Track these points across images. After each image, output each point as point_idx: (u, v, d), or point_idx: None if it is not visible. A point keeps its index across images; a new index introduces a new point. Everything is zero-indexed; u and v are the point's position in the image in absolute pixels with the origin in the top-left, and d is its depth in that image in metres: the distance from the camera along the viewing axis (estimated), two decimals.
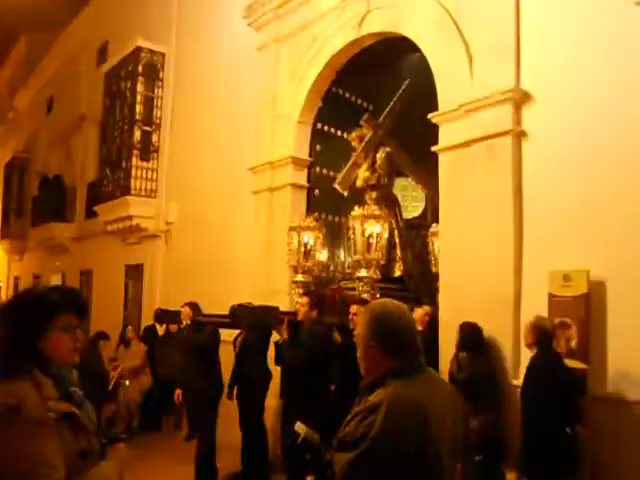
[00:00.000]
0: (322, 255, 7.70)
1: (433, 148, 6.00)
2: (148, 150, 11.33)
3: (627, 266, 4.52)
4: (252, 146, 8.45)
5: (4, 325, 1.92)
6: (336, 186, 7.74)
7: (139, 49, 11.32)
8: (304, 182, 8.03)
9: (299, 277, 7.36)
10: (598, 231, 4.72)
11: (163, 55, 11.49)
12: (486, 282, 5.33)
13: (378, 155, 7.78)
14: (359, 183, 7.78)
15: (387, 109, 7.86)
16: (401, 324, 2.05)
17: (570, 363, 4.54)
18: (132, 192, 11.00)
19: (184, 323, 6.68)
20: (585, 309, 4.66)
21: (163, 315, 7.72)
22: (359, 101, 8.45)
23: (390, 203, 7.81)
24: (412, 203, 9.64)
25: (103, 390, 7.79)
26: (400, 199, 9.08)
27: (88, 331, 12.70)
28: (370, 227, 6.80)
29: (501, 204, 5.33)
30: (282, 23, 8.28)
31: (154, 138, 11.35)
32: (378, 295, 6.61)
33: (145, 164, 11.27)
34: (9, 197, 20.09)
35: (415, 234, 8.14)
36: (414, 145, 7.52)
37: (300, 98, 7.90)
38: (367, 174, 7.74)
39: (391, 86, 7.90)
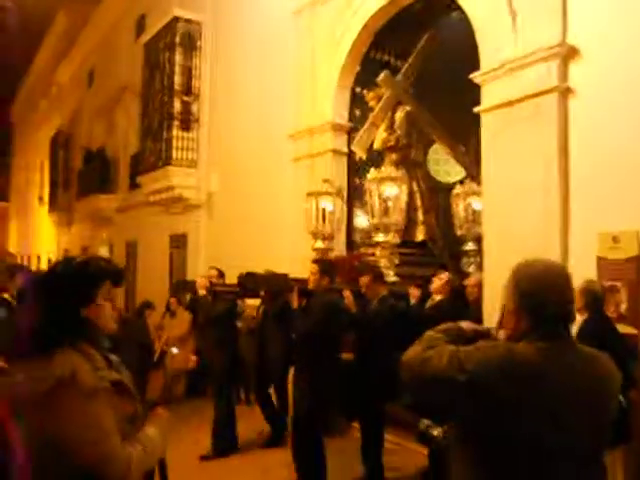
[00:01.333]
0: (360, 220, 7.66)
1: (475, 109, 5.85)
2: (188, 120, 11.37)
3: None
4: (291, 113, 8.40)
5: (46, 296, 1.93)
6: (353, 148, 7.50)
7: (176, 19, 11.30)
8: (344, 148, 7.94)
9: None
10: None
11: (200, 24, 11.45)
12: (532, 245, 5.20)
13: (397, 115, 7.50)
14: (377, 145, 7.54)
15: (405, 65, 7.58)
16: (540, 284, 1.80)
17: (620, 328, 4.42)
18: (173, 162, 11.08)
19: (199, 293, 6.57)
20: (636, 271, 4.51)
21: (178, 285, 7.72)
22: (398, 63, 8.25)
23: (411, 165, 7.55)
24: (454, 166, 9.47)
25: (149, 359, 7.97)
26: (442, 162, 8.95)
27: (134, 301, 13.08)
28: (387, 189, 6.58)
29: (546, 165, 5.17)
30: None
31: (194, 108, 11.38)
32: (396, 261, 6.54)
33: (186, 134, 11.33)
34: (56, 171, 20.55)
35: (443, 197, 7.88)
36: (453, 106, 7.31)
37: (338, 62, 7.77)
38: (385, 135, 7.47)
39: (431, 46, 7.70)
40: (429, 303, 5.83)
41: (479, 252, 6.89)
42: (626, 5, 4.81)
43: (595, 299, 4.37)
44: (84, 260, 2.00)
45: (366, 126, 7.42)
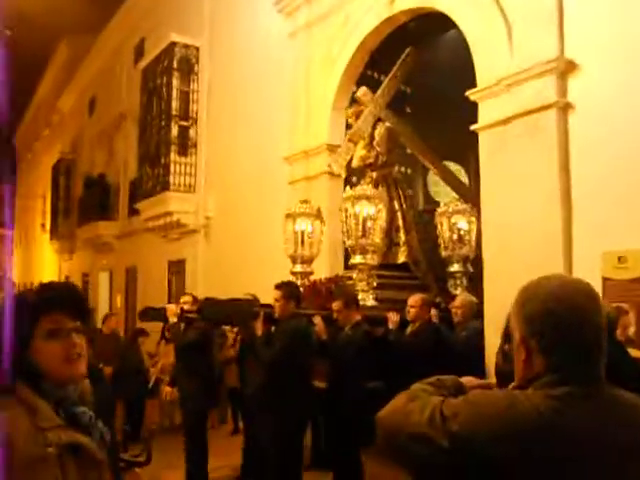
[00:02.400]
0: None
1: (472, 127, 5.70)
2: (186, 145, 11.29)
3: None
4: (287, 135, 8.27)
5: None
6: (330, 166, 7.23)
7: (173, 44, 11.28)
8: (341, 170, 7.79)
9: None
10: None
11: (197, 49, 11.43)
12: (534, 266, 4.99)
13: (376, 131, 7.22)
14: (355, 163, 7.25)
15: (385, 81, 7.36)
16: (564, 310, 1.32)
17: (632, 352, 4.19)
18: (171, 188, 10.97)
19: (170, 320, 5.89)
20: None
21: (146, 313, 7.37)
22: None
23: (392, 183, 7.27)
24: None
25: (144, 387, 7.75)
26: (443, 183, 8.78)
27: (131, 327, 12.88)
28: (364, 209, 6.26)
29: (547, 183, 4.99)
30: (312, 7, 8.07)
31: (191, 133, 11.31)
32: (375, 284, 6.24)
33: (183, 159, 11.24)
34: (57, 198, 20.51)
35: (430, 218, 7.61)
36: (451, 125, 7.16)
37: (334, 83, 7.67)
38: (364, 152, 7.18)
39: (427, 65, 7.59)
40: (410, 328, 5.53)
41: (465, 273, 6.76)
42: (624, 17, 4.67)
43: (608, 322, 4.13)
44: (24, 291, 1.73)
45: (344, 143, 7.18)
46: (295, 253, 6.88)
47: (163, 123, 11.42)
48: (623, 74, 4.64)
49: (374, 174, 7.13)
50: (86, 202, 16.91)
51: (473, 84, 5.75)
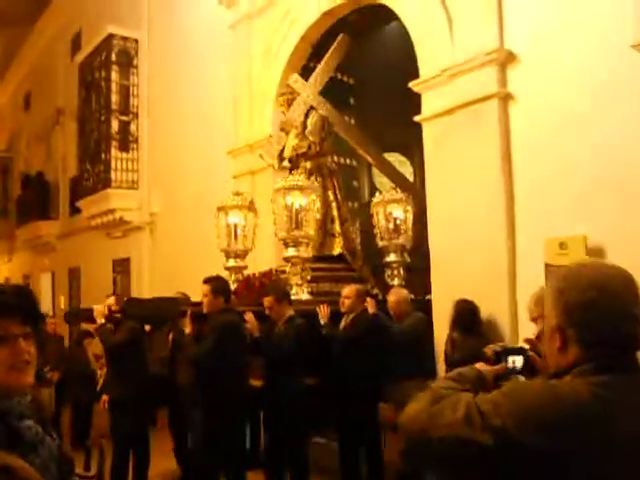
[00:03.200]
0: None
1: (416, 118, 5.73)
2: (127, 140, 11.01)
3: (626, 230, 4.26)
4: (230, 129, 8.14)
5: None
6: (261, 156, 7.01)
7: (111, 36, 10.96)
8: (286, 163, 7.70)
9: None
10: (593, 194, 4.46)
11: (136, 41, 11.13)
12: (478, 255, 5.08)
13: (309, 120, 6.91)
14: (287, 152, 6.97)
15: (318, 68, 7.18)
16: (605, 302, 1.29)
17: None
18: (113, 185, 10.70)
19: (98, 322, 5.59)
20: None
21: (72, 314, 7.08)
22: (338, 75, 8.10)
23: (327, 173, 7.02)
24: None
25: (92, 391, 7.51)
26: (380, 175, 8.81)
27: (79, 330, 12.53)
28: (294, 200, 6.00)
29: (490, 172, 5.06)
30: None
31: (132, 128, 11.03)
32: (309, 277, 6.04)
33: (125, 155, 10.96)
34: None
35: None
36: (396, 117, 7.17)
37: (276, 75, 7.58)
38: (296, 141, 6.87)
39: (371, 57, 7.59)
40: (344, 321, 5.31)
41: (402, 264, 6.64)
42: (561, 8, 4.75)
43: None
44: None
45: (276, 133, 6.98)
46: (228, 247, 6.66)
47: (103, 118, 11.10)
48: (560, 64, 4.72)
49: (308, 164, 6.89)
50: (24, 202, 16.31)
51: (416, 75, 5.76)
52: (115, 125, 10.86)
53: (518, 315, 4.74)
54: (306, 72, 7.58)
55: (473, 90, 5.19)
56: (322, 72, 7.13)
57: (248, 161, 7.78)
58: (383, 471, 5.14)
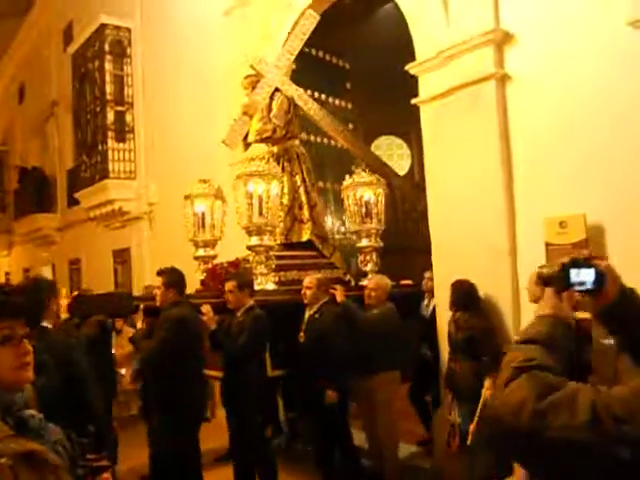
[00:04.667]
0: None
1: (413, 100, 5.72)
2: (123, 131, 11.02)
3: (625, 207, 4.28)
4: (225, 116, 8.11)
5: None
6: (224, 142, 6.65)
7: (104, 26, 10.93)
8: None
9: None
10: (592, 173, 4.47)
11: (129, 30, 11.10)
12: (479, 236, 5.10)
13: (274, 103, 6.57)
14: (251, 137, 6.65)
15: (282, 49, 6.86)
16: None
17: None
18: (111, 175, 10.72)
19: (61, 317, 5.27)
20: None
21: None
22: (334, 59, 8.10)
23: (294, 157, 6.67)
24: (398, 161, 9.39)
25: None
26: (385, 158, 8.83)
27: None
28: (256, 186, 5.72)
29: (488, 152, 5.07)
30: None
31: (128, 118, 11.03)
32: (273, 266, 5.80)
33: (122, 145, 10.97)
34: None
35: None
36: (393, 100, 7.17)
37: (271, 61, 7.53)
38: (260, 125, 6.54)
39: (365, 40, 7.57)
40: (307, 312, 5.23)
41: (375, 249, 6.46)
42: None
43: None
44: None
45: (238, 117, 6.53)
46: (195, 237, 6.44)
47: (98, 109, 11.09)
48: (557, 43, 4.71)
49: (275, 149, 6.59)
50: (22, 195, 16.32)
51: (412, 58, 5.76)
52: (111, 116, 10.86)
53: (520, 295, 4.78)
54: (303, 57, 7.56)
55: (470, 71, 5.17)
56: (287, 52, 6.75)
57: (244, 149, 7.75)
58: (356, 454, 5.20)
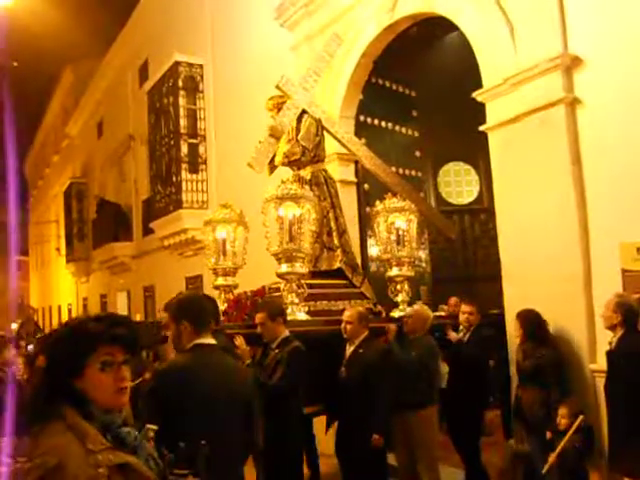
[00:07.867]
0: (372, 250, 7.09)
1: (481, 127, 5.74)
2: (196, 162, 11.40)
3: None
4: None
5: (45, 362, 1.75)
6: (249, 165, 6.15)
7: (177, 63, 11.41)
8: (352, 177, 7.82)
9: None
10: None
11: (201, 66, 11.55)
12: (552, 262, 5.03)
13: (302, 125, 6.29)
14: (278, 159, 6.38)
15: (307, 70, 6.61)
16: None
17: None
18: (184, 205, 11.09)
19: None
20: None
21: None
22: (400, 88, 8.19)
23: (322, 182, 6.34)
24: (466, 188, 9.35)
25: None
26: (454, 184, 8.81)
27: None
28: (288, 211, 5.37)
29: (560, 178, 5.02)
30: (313, 19, 8.13)
31: (201, 150, 11.42)
32: (305, 294, 5.41)
33: (195, 176, 11.35)
34: (70, 222, 20.73)
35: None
36: (461, 127, 7.19)
37: (340, 92, 7.72)
38: (287, 147, 6.28)
39: (431, 68, 7.64)
40: (349, 347, 5.04)
41: (407, 278, 6.06)
42: (625, 9, 4.69)
43: (632, 314, 4.09)
44: (80, 320, 1.78)
45: (265, 139, 6.22)
46: (217, 265, 6.15)
47: (172, 142, 11.54)
48: (628, 66, 4.66)
49: (301, 172, 6.31)
50: (100, 224, 17.10)
51: (479, 84, 5.79)
52: (184, 148, 11.28)
53: (595, 323, 4.67)
54: (369, 87, 7.71)
55: (538, 97, 5.16)
56: (313, 72, 6.54)
57: None
58: None
